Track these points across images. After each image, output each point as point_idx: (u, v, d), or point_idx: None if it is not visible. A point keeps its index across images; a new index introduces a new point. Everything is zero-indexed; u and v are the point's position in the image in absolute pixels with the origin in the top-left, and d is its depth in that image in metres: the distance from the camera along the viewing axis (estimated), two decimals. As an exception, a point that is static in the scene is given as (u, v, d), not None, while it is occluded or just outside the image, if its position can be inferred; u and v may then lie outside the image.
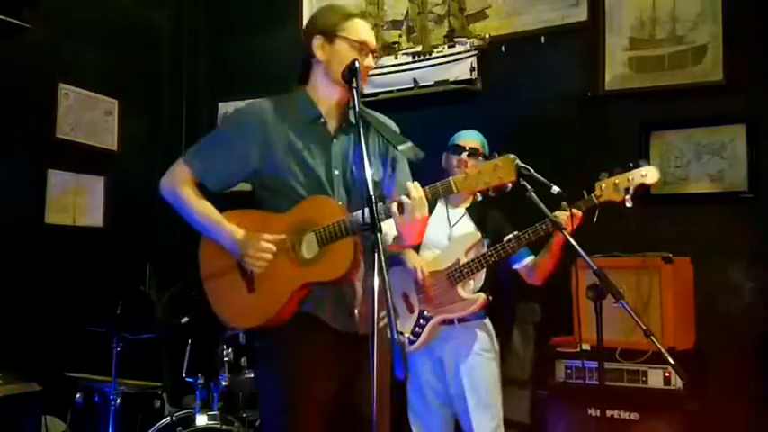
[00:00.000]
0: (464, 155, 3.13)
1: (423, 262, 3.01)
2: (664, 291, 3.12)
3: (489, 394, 3.07)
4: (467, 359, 3.06)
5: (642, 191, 2.74)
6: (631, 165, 2.73)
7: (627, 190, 2.70)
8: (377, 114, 2.31)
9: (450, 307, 3.03)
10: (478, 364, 3.07)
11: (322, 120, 2.23)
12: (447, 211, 3.19)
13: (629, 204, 2.70)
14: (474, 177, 1.97)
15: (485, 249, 3.03)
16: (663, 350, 2.23)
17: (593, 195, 2.77)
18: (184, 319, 3.44)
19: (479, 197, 2.02)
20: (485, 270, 3.06)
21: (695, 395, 3.01)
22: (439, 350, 3.10)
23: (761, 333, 3.30)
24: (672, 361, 2.22)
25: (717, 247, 3.42)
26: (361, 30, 2.22)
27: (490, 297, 3.07)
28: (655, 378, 3.06)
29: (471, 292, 3.07)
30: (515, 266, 3.16)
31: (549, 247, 2.98)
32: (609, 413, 3.06)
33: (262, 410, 2.52)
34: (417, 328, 3.04)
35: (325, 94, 2.24)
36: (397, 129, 2.35)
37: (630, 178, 2.71)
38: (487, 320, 3.15)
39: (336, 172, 2.19)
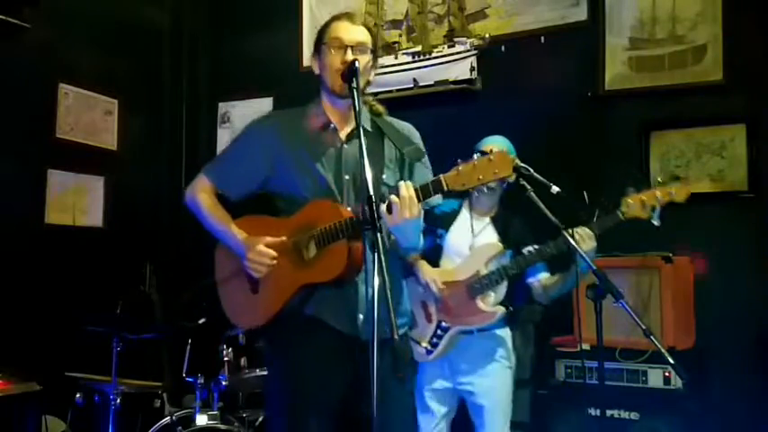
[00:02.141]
0: None
1: (436, 273, 2.92)
2: (664, 290, 3.12)
3: (504, 402, 3.00)
4: (485, 366, 2.97)
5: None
6: (660, 180, 2.64)
7: (653, 208, 2.59)
8: (390, 119, 2.32)
9: (468, 319, 2.92)
10: (496, 370, 2.98)
11: (332, 126, 2.24)
12: (471, 221, 3.07)
13: (656, 223, 2.59)
14: (467, 174, 1.92)
15: (506, 260, 2.91)
16: (663, 350, 2.24)
17: (618, 212, 2.66)
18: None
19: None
20: (506, 282, 2.93)
21: (695, 395, 3.02)
22: (456, 357, 2.99)
23: (761, 333, 3.30)
24: (672, 361, 2.22)
25: (717, 247, 3.42)
26: (335, 29, 2.20)
27: (511, 308, 2.97)
28: (655, 378, 3.06)
29: (491, 305, 2.95)
30: (529, 280, 3.01)
31: (570, 276, 2.76)
32: (609, 413, 3.06)
33: (267, 412, 2.53)
34: (435, 339, 2.96)
35: (329, 104, 2.26)
36: (414, 133, 2.33)
37: (659, 196, 2.60)
38: (507, 330, 3.05)
39: (347, 177, 2.19)
